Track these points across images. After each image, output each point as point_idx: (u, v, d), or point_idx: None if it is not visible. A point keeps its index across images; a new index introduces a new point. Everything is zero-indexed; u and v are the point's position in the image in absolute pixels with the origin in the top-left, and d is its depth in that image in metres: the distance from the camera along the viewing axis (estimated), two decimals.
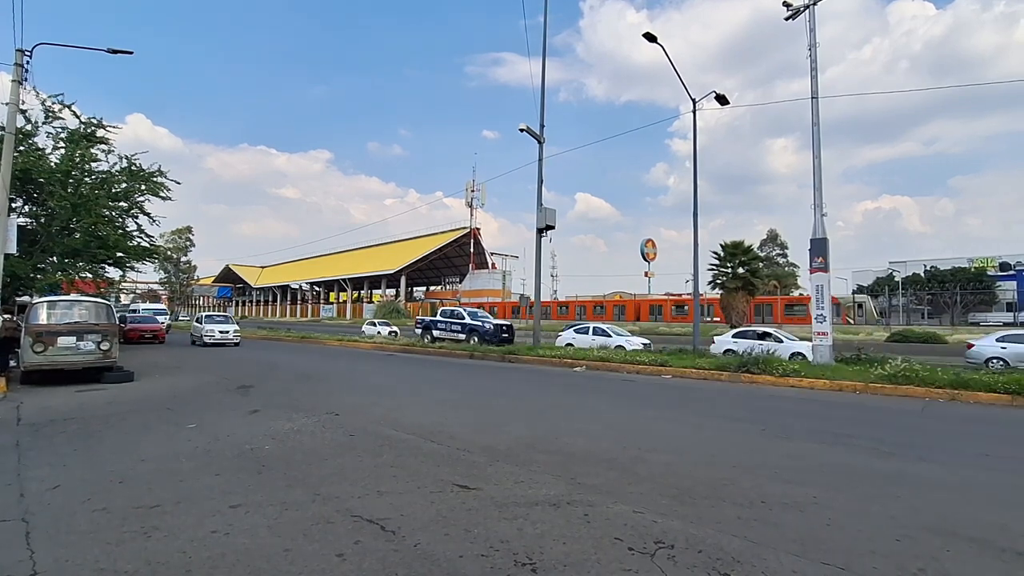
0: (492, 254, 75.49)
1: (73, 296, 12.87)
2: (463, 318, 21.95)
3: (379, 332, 29.90)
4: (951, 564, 2.91)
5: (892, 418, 7.46)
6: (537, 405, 8.37)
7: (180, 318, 64.96)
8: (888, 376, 9.93)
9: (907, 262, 55.39)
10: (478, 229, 71.87)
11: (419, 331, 23.85)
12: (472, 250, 70.67)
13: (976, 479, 4.58)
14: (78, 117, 17.35)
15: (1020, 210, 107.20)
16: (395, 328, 32.02)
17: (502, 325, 21.34)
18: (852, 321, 43.05)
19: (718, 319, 42.19)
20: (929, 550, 3.07)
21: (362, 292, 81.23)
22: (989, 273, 47.42)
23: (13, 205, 16.77)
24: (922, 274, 49.82)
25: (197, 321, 25.56)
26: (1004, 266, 46.56)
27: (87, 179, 17.62)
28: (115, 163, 18.57)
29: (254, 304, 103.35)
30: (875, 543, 3.17)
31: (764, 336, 16.07)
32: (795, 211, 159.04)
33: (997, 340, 13.71)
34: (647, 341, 18.79)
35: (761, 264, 43.49)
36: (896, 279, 50.55)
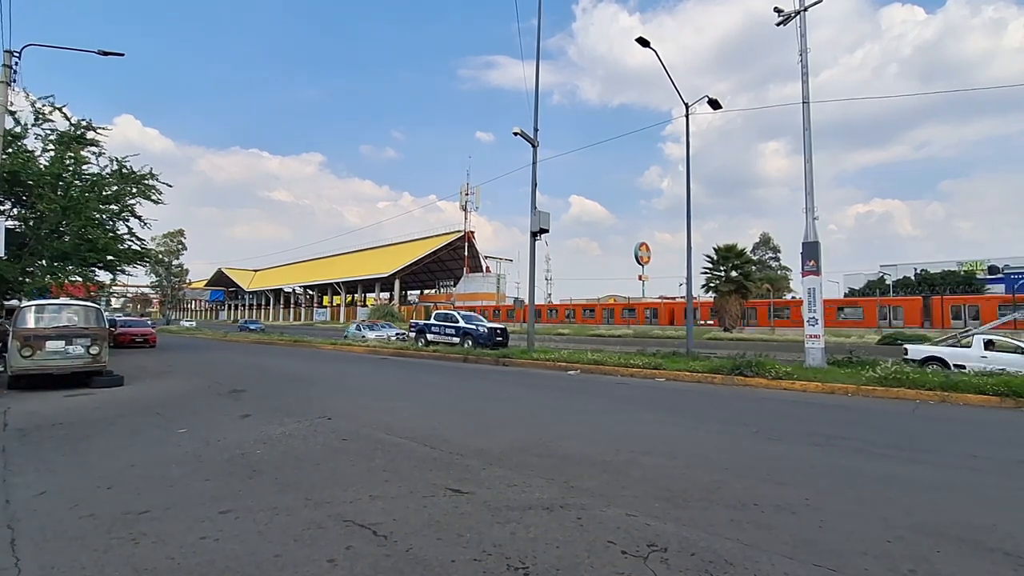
0: (486, 257, 75.58)
1: (62, 300, 12.71)
2: (457, 321, 21.89)
3: (380, 336, 26.34)
4: (942, 565, 2.93)
5: (883, 420, 7.50)
6: (531, 408, 8.35)
7: (184, 323, 64.40)
8: (879, 378, 9.99)
9: (898, 265, 56.17)
10: (472, 232, 71.96)
11: (413, 334, 23.80)
12: (466, 253, 70.68)
13: (966, 480, 4.62)
14: (68, 119, 17.23)
15: (1009, 214, 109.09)
16: (399, 330, 28.20)
17: (496, 328, 21.27)
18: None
19: (712, 323, 42.40)
20: (920, 551, 3.09)
21: (356, 296, 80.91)
22: (978, 276, 48.15)
23: (1, 208, 16.63)
24: (912, 277, 50.46)
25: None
26: (993, 269, 47.22)
27: (77, 181, 17.46)
28: (105, 165, 18.48)
29: (247, 308, 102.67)
30: (867, 544, 3.18)
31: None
32: (788, 214, 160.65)
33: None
34: None
35: (754, 267, 43.85)
36: (887, 282, 51.14)
